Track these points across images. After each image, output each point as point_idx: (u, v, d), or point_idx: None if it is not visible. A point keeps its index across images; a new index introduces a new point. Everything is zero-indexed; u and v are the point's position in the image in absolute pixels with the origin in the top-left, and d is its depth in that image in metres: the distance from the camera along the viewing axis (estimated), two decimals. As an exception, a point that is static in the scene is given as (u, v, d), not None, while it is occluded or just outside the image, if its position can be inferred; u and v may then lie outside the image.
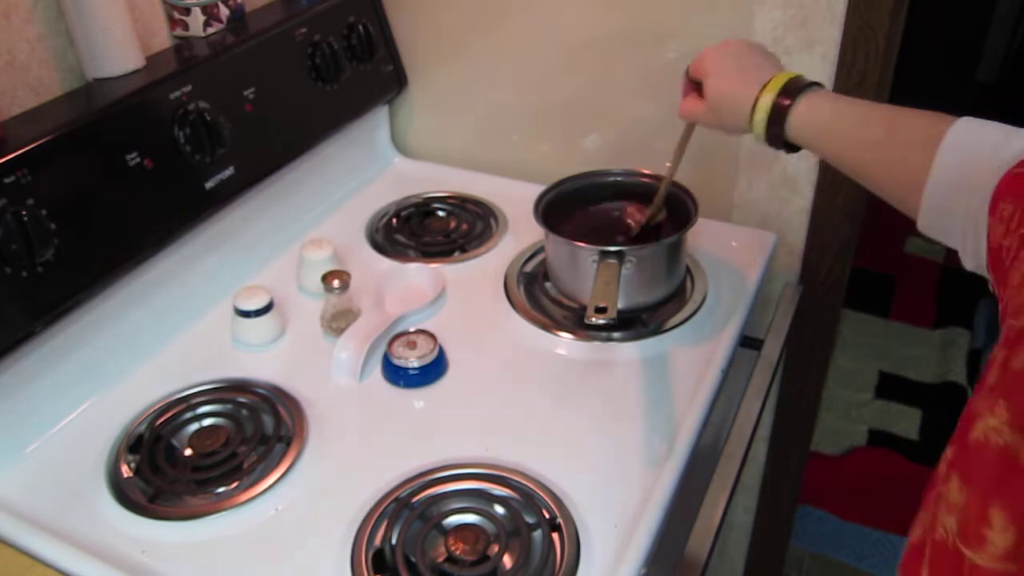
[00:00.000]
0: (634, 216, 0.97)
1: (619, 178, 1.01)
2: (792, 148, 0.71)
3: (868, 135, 0.65)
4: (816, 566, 1.75)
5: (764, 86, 0.70)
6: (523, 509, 0.71)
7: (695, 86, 0.78)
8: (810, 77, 0.95)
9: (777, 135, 0.70)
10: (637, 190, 0.98)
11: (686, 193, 0.95)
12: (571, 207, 1.00)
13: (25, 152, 0.73)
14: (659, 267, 0.92)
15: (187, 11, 0.96)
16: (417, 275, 0.99)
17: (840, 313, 1.18)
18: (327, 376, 0.86)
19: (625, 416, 0.81)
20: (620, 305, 0.84)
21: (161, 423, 0.80)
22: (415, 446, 0.77)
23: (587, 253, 0.88)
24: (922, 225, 0.59)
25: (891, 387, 2.16)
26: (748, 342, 0.95)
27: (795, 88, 0.69)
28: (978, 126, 0.56)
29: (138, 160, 0.83)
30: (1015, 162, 0.50)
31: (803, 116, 0.68)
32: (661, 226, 0.96)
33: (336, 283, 0.89)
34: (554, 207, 0.97)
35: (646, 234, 0.95)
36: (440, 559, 0.68)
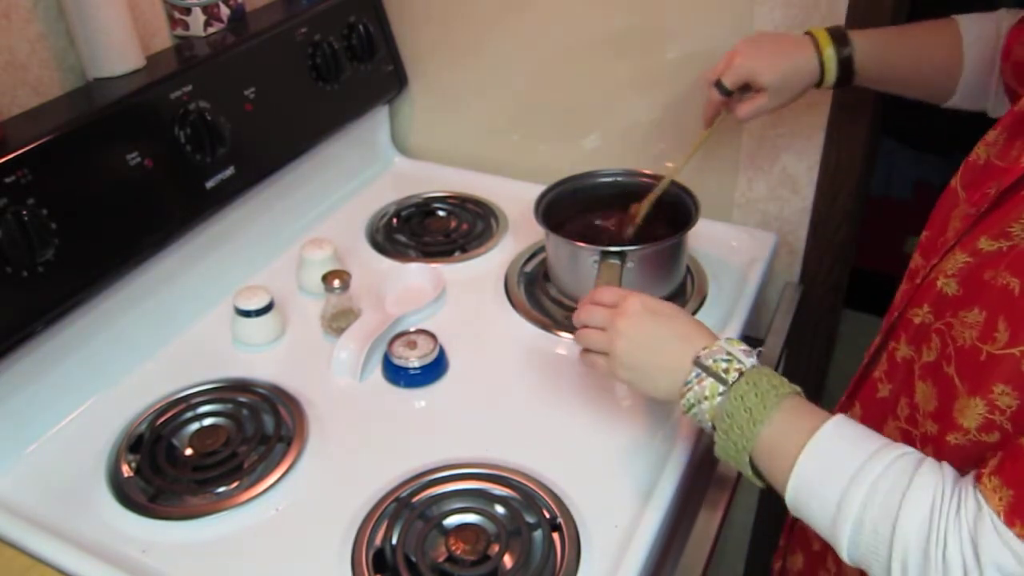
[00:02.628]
0: (633, 219, 0.96)
1: (619, 178, 1.01)
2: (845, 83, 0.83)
3: (910, 49, 0.82)
4: (816, 566, 1.75)
5: (816, 45, 0.81)
6: (523, 509, 0.71)
7: (725, 93, 0.84)
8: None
9: (847, 77, 0.81)
10: (637, 190, 0.98)
11: (687, 193, 0.94)
12: (571, 207, 0.99)
13: (25, 152, 0.73)
14: (660, 267, 0.92)
15: (187, 11, 0.96)
16: (417, 275, 0.99)
17: (840, 313, 1.18)
18: (327, 376, 0.86)
19: (626, 416, 0.81)
20: None
21: (161, 423, 0.80)
22: (415, 446, 0.77)
23: (588, 253, 0.88)
24: (958, 99, 0.80)
25: (891, 387, 2.16)
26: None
27: (839, 34, 0.81)
28: (977, 20, 0.79)
29: (138, 160, 0.83)
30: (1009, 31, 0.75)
31: (862, 51, 0.80)
32: (656, 225, 0.95)
33: (336, 283, 0.89)
34: (554, 207, 0.97)
35: (646, 233, 0.94)
36: (440, 559, 0.68)
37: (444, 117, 1.26)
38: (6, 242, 0.70)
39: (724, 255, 1.02)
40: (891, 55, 0.82)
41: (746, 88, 0.84)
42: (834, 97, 0.96)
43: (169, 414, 0.81)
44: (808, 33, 0.82)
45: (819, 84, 0.82)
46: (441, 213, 1.15)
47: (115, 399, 0.84)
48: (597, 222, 1.01)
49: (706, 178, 1.07)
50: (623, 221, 0.98)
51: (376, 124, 1.24)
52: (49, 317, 0.76)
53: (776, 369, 0.93)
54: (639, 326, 0.67)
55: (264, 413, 0.81)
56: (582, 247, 0.89)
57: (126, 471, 0.75)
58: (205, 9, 0.97)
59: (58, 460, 0.78)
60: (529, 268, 1.02)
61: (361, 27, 1.11)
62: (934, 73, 0.81)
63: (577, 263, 0.91)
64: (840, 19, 0.92)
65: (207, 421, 0.81)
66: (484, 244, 1.06)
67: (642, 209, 0.95)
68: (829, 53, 0.80)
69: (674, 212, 0.95)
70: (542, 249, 1.04)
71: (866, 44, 0.81)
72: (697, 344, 0.64)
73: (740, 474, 0.80)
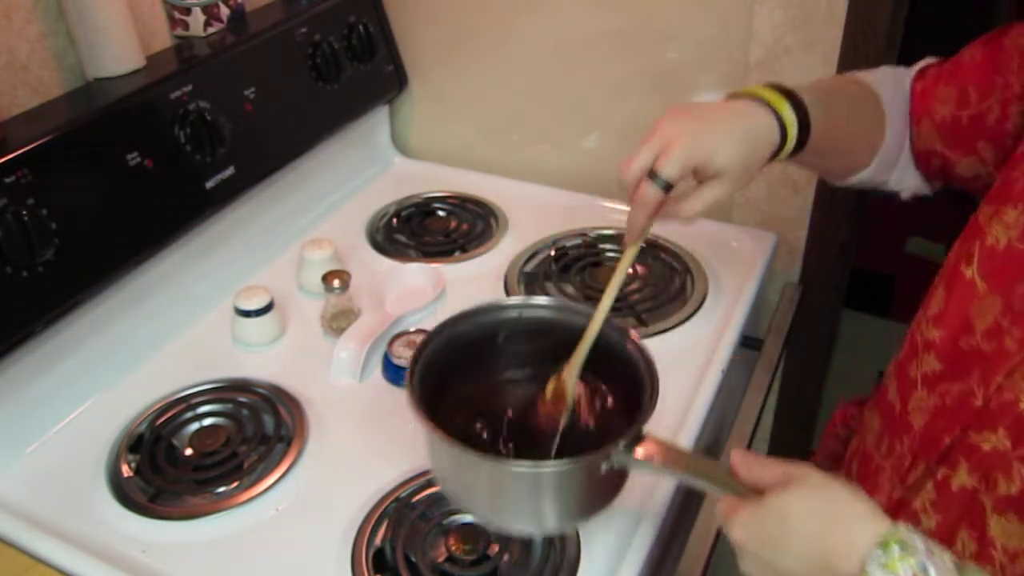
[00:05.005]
0: (559, 394, 0.66)
1: (539, 312, 0.70)
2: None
3: (843, 105, 0.71)
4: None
5: (769, 106, 0.63)
6: (523, 509, 0.70)
7: (664, 188, 0.61)
8: (810, 77, 0.95)
9: (803, 142, 0.65)
10: (563, 333, 0.68)
11: (638, 350, 0.65)
12: (469, 359, 0.69)
13: (25, 152, 0.73)
14: (592, 489, 0.62)
15: (187, 11, 0.96)
16: (417, 275, 0.99)
17: (840, 313, 1.18)
18: (327, 376, 0.86)
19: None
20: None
21: (161, 423, 0.80)
22: (415, 446, 0.77)
23: (484, 469, 0.60)
24: (869, 171, 0.73)
25: (891, 387, 2.16)
26: (748, 342, 0.95)
27: (785, 90, 0.65)
28: (881, 75, 0.74)
29: (138, 160, 0.83)
30: (912, 80, 0.72)
31: (811, 108, 0.65)
32: (596, 400, 0.69)
33: (336, 283, 0.89)
34: (440, 362, 0.66)
35: (582, 420, 0.68)
36: (440, 559, 0.68)
37: (444, 117, 1.26)
38: (6, 242, 0.70)
39: (724, 255, 1.02)
40: (830, 112, 0.67)
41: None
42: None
43: (169, 414, 0.81)
44: (744, 96, 0.65)
45: (774, 156, 0.64)
46: (441, 213, 1.15)
47: (115, 399, 0.84)
48: (508, 383, 0.71)
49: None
50: (540, 406, 0.68)
51: (376, 124, 1.24)
52: (49, 317, 0.76)
53: (776, 369, 0.94)
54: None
55: (264, 413, 0.81)
56: (473, 458, 0.58)
57: (126, 471, 0.75)
58: (205, 9, 0.97)
59: (58, 460, 0.78)
60: (529, 268, 1.02)
61: (361, 27, 1.11)
62: (860, 137, 0.71)
63: (464, 474, 0.62)
64: (840, 19, 0.91)
65: (207, 421, 0.81)
66: (484, 244, 1.06)
67: (570, 375, 0.66)
68: (788, 113, 0.63)
69: (626, 367, 0.66)
70: (542, 249, 1.04)
71: (809, 98, 0.65)
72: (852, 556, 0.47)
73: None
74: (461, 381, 0.69)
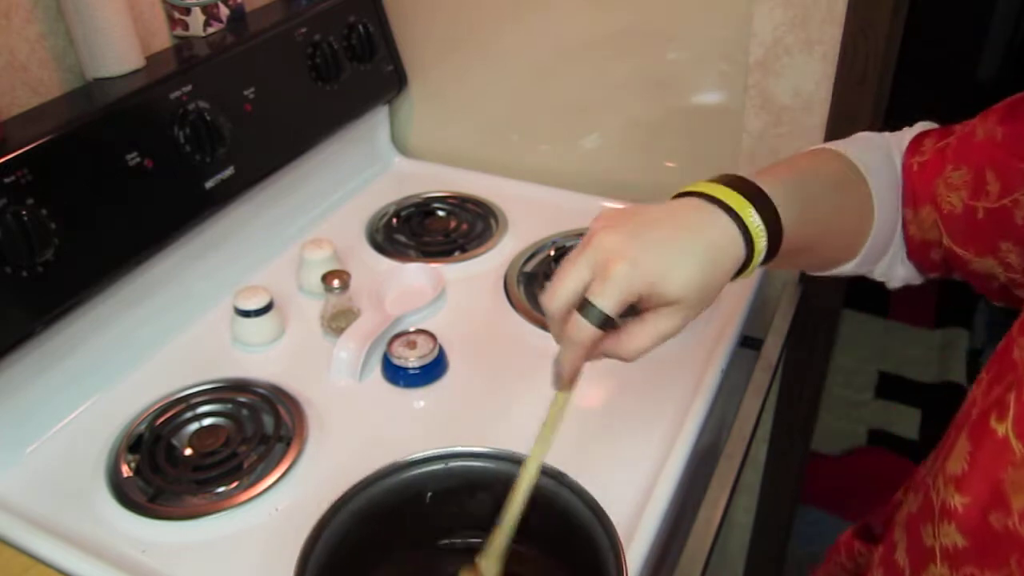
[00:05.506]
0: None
1: (467, 462, 0.60)
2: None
3: (823, 201, 0.58)
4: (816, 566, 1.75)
5: (727, 210, 0.51)
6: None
7: (602, 324, 0.49)
8: (810, 77, 0.94)
9: (776, 247, 0.53)
10: (490, 490, 0.58)
11: (593, 513, 0.56)
12: (388, 535, 0.60)
13: (25, 152, 0.73)
14: None
15: (187, 11, 0.96)
16: (417, 275, 0.99)
17: (840, 313, 1.18)
18: (327, 376, 0.86)
19: (624, 416, 0.81)
20: None
21: (161, 423, 0.80)
22: (415, 446, 0.77)
23: None
24: (856, 263, 0.61)
25: (891, 387, 2.16)
26: (748, 342, 0.95)
27: (749, 189, 0.52)
28: (879, 148, 0.61)
29: (138, 160, 0.83)
30: (904, 153, 0.60)
31: (783, 208, 0.53)
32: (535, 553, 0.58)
33: (336, 283, 0.89)
34: (349, 547, 0.57)
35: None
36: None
37: (444, 117, 1.26)
38: (6, 242, 0.70)
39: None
40: (808, 208, 0.55)
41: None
42: (833, 98, 0.96)
43: (169, 414, 0.81)
44: (697, 196, 0.52)
45: (738, 274, 0.52)
46: (441, 213, 1.15)
47: (115, 399, 0.84)
48: (447, 552, 0.62)
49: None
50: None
51: (376, 124, 1.24)
52: (49, 317, 0.76)
53: (776, 369, 0.94)
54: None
55: (264, 413, 0.81)
56: None
57: (126, 471, 0.75)
58: (205, 9, 0.97)
59: (58, 460, 0.78)
60: (529, 268, 1.02)
61: (361, 27, 1.11)
62: (844, 231, 0.59)
63: None
64: (840, 19, 0.91)
65: (207, 421, 0.81)
66: (484, 244, 1.06)
67: (488, 567, 0.55)
68: (754, 221, 0.50)
69: (581, 533, 0.56)
70: (542, 249, 1.04)
71: (778, 192, 0.52)
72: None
73: (740, 474, 0.80)
74: (385, 560, 0.57)
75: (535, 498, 0.53)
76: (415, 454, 0.59)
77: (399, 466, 0.59)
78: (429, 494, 0.60)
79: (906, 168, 0.61)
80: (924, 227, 0.60)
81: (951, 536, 0.46)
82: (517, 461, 0.56)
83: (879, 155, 0.61)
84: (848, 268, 0.62)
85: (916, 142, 0.61)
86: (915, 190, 0.60)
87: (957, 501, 0.46)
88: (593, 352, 0.51)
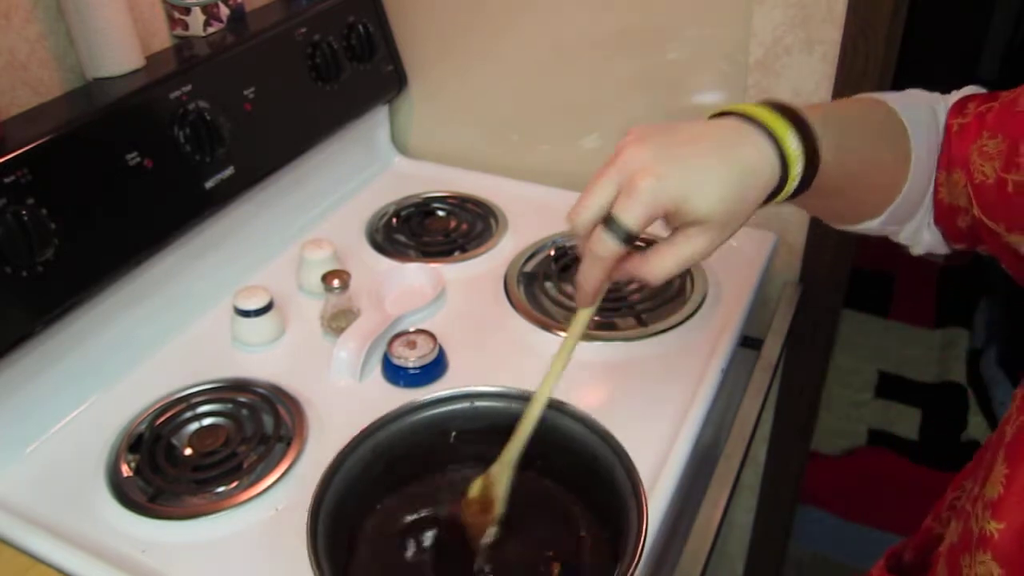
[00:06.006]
0: (487, 502, 0.55)
1: (494, 403, 0.59)
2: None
3: (864, 142, 0.56)
4: (816, 566, 1.75)
5: (765, 131, 0.49)
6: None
7: (625, 240, 0.48)
8: (810, 77, 0.94)
9: (808, 179, 0.51)
10: (492, 430, 0.57)
11: (612, 450, 0.54)
12: (384, 487, 0.61)
13: (25, 152, 0.73)
14: None
15: (187, 11, 0.96)
16: (417, 275, 0.99)
17: (840, 313, 1.18)
18: (327, 376, 0.86)
19: (625, 416, 0.81)
20: None
21: (161, 423, 0.80)
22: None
23: None
24: (882, 220, 0.59)
25: (891, 387, 2.16)
26: (748, 342, 0.95)
27: (790, 113, 0.50)
28: (925, 104, 0.59)
29: (138, 160, 0.83)
30: (947, 113, 0.57)
31: (822, 135, 0.51)
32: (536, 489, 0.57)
33: (336, 283, 0.89)
34: (358, 488, 0.57)
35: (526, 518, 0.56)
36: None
37: (444, 117, 1.26)
38: (6, 242, 0.70)
39: (724, 255, 1.00)
40: (847, 145, 0.53)
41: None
42: (833, 98, 0.96)
43: (169, 414, 0.81)
44: (736, 115, 0.50)
45: (770, 199, 0.50)
46: (441, 213, 1.15)
47: (115, 399, 0.84)
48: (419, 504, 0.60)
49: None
50: (465, 515, 0.57)
51: (376, 124, 1.24)
52: (49, 317, 0.76)
53: (776, 369, 0.94)
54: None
55: (264, 413, 0.81)
56: None
57: (126, 471, 0.75)
58: (205, 9, 0.97)
59: (58, 460, 0.78)
60: (529, 268, 1.02)
61: (361, 27, 1.11)
62: (878, 181, 0.56)
63: None
64: (840, 19, 0.91)
65: (207, 421, 0.81)
66: (484, 244, 1.06)
67: (500, 475, 0.55)
68: (792, 144, 0.49)
69: (593, 467, 0.56)
70: (542, 249, 1.04)
71: (819, 124, 0.51)
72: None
73: (740, 474, 0.80)
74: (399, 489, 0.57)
75: (561, 439, 0.53)
76: (440, 392, 0.58)
77: (424, 403, 0.59)
78: (454, 433, 0.60)
79: (947, 129, 0.58)
80: (954, 192, 0.57)
81: (986, 565, 0.44)
82: (502, 395, 0.57)
83: (925, 114, 0.58)
84: (873, 225, 0.60)
85: (961, 104, 0.58)
86: (951, 153, 0.57)
87: (992, 527, 0.44)
88: (618, 270, 0.50)
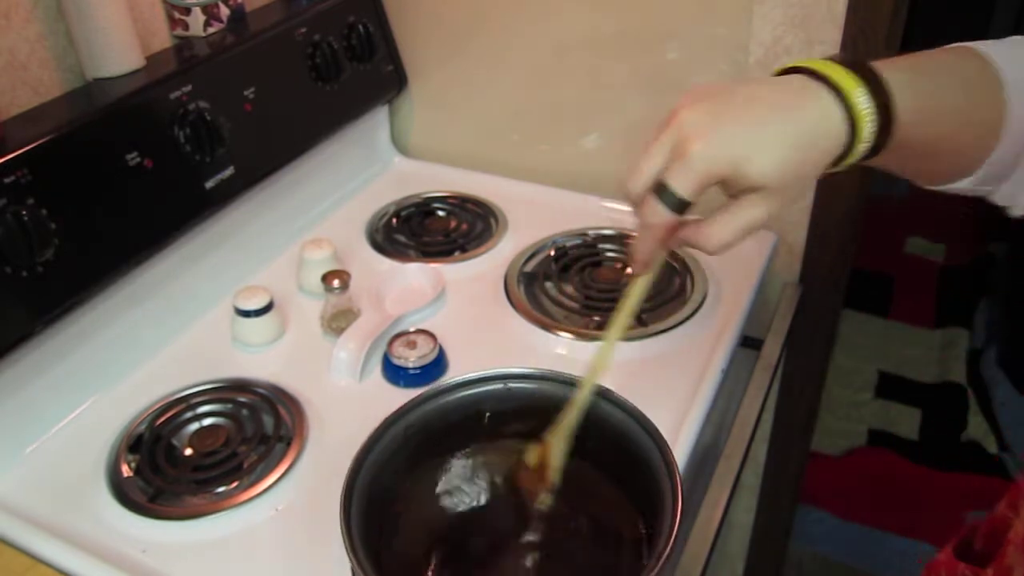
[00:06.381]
0: (541, 477, 0.55)
1: (528, 384, 0.58)
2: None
3: (948, 96, 0.51)
4: (816, 566, 1.75)
5: (832, 88, 0.45)
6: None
7: (677, 207, 0.47)
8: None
9: (882, 141, 0.47)
10: (537, 407, 0.58)
11: (653, 440, 0.55)
12: (418, 464, 0.60)
13: (25, 152, 0.73)
14: None
15: (187, 11, 0.96)
16: (417, 275, 0.99)
17: (840, 313, 1.18)
18: (327, 376, 0.86)
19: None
20: None
21: (161, 423, 0.80)
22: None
23: None
24: (974, 179, 0.53)
25: (891, 387, 2.16)
26: (748, 342, 0.95)
27: (861, 67, 0.46)
28: (1013, 64, 0.52)
29: (138, 160, 0.83)
30: None
31: (899, 92, 0.47)
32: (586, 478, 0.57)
33: (336, 283, 0.89)
34: (385, 478, 0.57)
35: (573, 504, 0.56)
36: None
37: (444, 117, 1.26)
38: (6, 242, 0.70)
39: (724, 255, 1.01)
40: (929, 100, 0.48)
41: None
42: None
43: (169, 414, 0.81)
44: (801, 72, 0.47)
45: (838, 160, 0.47)
46: (441, 213, 1.15)
47: (115, 399, 0.84)
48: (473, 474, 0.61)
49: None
50: (521, 474, 0.57)
51: (376, 124, 1.24)
52: (49, 317, 0.76)
53: (776, 369, 0.94)
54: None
55: (264, 413, 0.81)
56: None
57: (126, 471, 0.75)
58: (205, 9, 0.97)
59: (58, 460, 0.78)
60: (529, 268, 1.02)
61: (361, 27, 1.11)
62: (967, 137, 0.51)
63: None
64: (840, 19, 0.91)
65: (207, 421, 0.81)
66: (484, 244, 1.06)
67: (552, 455, 0.55)
68: (861, 102, 0.45)
69: (618, 448, 0.56)
70: (542, 249, 1.04)
71: (897, 79, 0.46)
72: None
73: (740, 474, 0.80)
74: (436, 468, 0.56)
75: (597, 421, 0.52)
76: (472, 373, 0.58)
77: (456, 384, 0.58)
78: (488, 414, 0.59)
79: None
80: None
81: None
82: (575, 384, 0.55)
83: (1022, 61, 0.52)
84: (964, 185, 0.55)
85: None
86: None
87: None
88: (673, 238, 0.49)
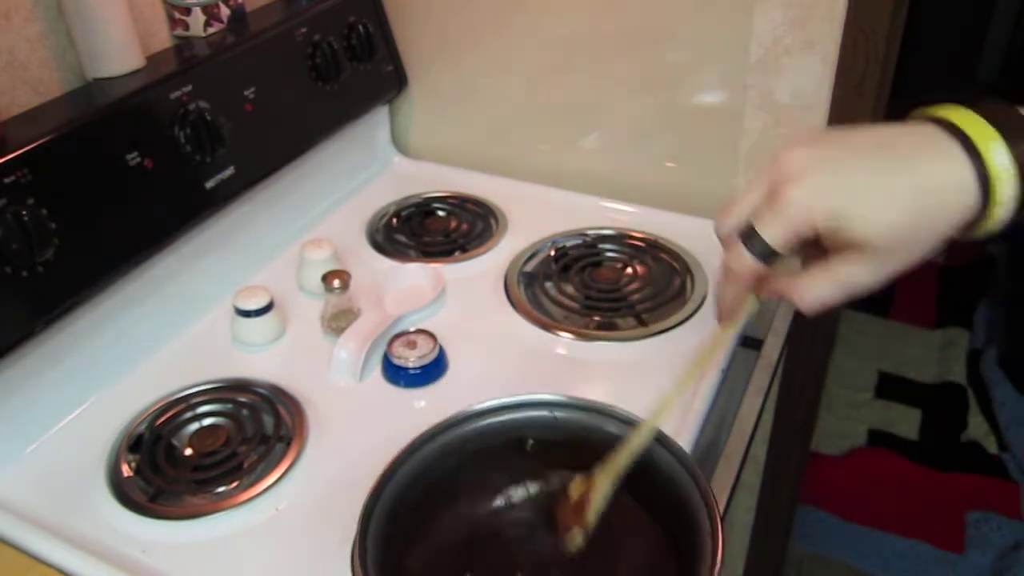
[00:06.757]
0: (580, 514, 0.52)
1: (575, 414, 0.56)
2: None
3: None
4: (816, 566, 1.75)
5: (964, 142, 0.39)
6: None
7: (766, 256, 0.42)
8: (810, 77, 0.94)
9: None
10: (581, 444, 0.55)
11: (698, 489, 0.50)
12: (451, 484, 0.57)
13: (25, 152, 0.73)
14: None
15: (187, 11, 0.96)
16: (417, 275, 0.99)
17: (840, 313, 1.18)
18: (327, 376, 0.86)
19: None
20: None
21: (161, 423, 0.80)
22: (415, 446, 0.77)
23: None
24: None
25: (891, 387, 2.16)
26: (748, 342, 0.95)
27: (1002, 115, 0.39)
28: None
29: (138, 160, 0.83)
30: None
31: None
32: (624, 521, 0.54)
33: (336, 283, 0.89)
34: (414, 494, 0.55)
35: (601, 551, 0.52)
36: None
37: (444, 117, 1.26)
38: (6, 242, 0.70)
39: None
40: None
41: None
42: (833, 98, 0.96)
43: (169, 414, 0.81)
44: (930, 120, 0.41)
45: (971, 226, 0.41)
46: (441, 213, 1.15)
47: (115, 399, 0.84)
48: (501, 508, 0.58)
49: (706, 178, 1.07)
50: (561, 504, 0.53)
51: (376, 124, 1.24)
52: (49, 317, 0.76)
53: (775, 370, 0.94)
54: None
55: (264, 413, 0.81)
56: None
57: (126, 471, 0.75)
58: (205, 9, 0.97)
59: (58, 460, 0.78)
60: (529, 268, 1.02)
61: (361, 27, 1.11)
62: None
63: None
64: (840, 19, 0.91)
65: (207, 421, 0.81)
66: (484, 244, 1.06)
67: (594, 494, 0.51)
68: (999, 160, 0.38)
69: (674, 499, 0.51)
70: (542, 249, 1.04)
71: None
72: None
73: (740, 474, 0.80)
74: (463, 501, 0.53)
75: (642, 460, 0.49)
76: (517, 396, 0.54)
77: (498, 407, 0.54)
78: (531, 441, 0.56)
79: None
80: None
81: None
82: (629, 422, 0.52)
83: None
84: None
85: None
86: None
87: None
88: (765, 289, 0.44)
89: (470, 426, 0.55)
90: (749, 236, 0.42)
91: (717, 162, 1.06)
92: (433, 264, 1.01)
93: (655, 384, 0.84)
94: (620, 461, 0.50)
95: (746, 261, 0.42)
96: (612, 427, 0.54)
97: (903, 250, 0.40)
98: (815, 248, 0.41)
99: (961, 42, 2.98)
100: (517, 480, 0.55)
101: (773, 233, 0.41)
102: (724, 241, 0.44)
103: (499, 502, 0.55)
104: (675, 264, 1.00)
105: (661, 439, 0.51)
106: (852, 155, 0.40)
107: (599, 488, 0.50)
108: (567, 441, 0.54)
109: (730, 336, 0.47)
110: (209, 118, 0.89)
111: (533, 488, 0.55)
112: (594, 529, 0.51)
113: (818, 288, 0.42)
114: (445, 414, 0.81)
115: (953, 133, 0.39)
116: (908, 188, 0.39)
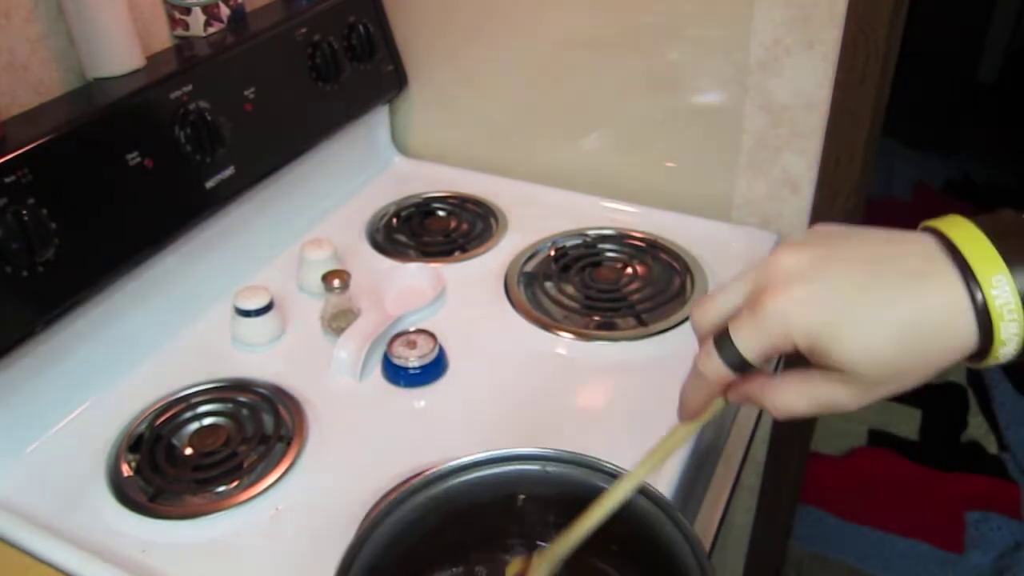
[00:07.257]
0: None
1: (568, 469, 0.54)
2: None
3: None
4: (816, 566, 1.75)
5: (963, 271, 0.34)
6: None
7: (738, 367, 0.40)
8: (810, 77, 0.94)
9: None
10: (557, 498, 0.53)
11: (689, 546, 0.50)
12: (428, 542, 0.54)
13: (25, 152, 0.73)
14: None
15: (188, 11, 0.96)
16: (417, 275, 0.99)
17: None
18: (327, 376, 0.86)
19: (625, 416, 0.81)
20: None
21: (161, 422, 0.80)
22: (415, 445, 0.77)
23: None
24: None
25: (891, 387, 2.16)
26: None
27: (1008, 232, 0.35)
28: None
29: (138, 160, 0.83)
30: None
31: None
32: None
33: (336, 283, 0.89)
34: (392, 549, 0.53)
35: None
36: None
37: (444, 117, 1.26)
38: (6, 242, 0.70)
39: (724, 256, 1.02)
40: None
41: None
42: (833, 98, 0.96)
43: (169, 414, 0.81)
44: (933, 234, 0.36)
45: (973, 357, 0.36)
46: (441, 213, 1.15)
47: (115, 399, 0.84)
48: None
49: (705, 178, 1.07)
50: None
51: (376, 124, 1.24)
52: (49, 317, 0.76)
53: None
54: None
55: (264, 413, 0.81)
56: None
57: (126, 471, 0.75)
58: (205, 9, 0.97)
59: (58, 460, 0.78)
60: (529, 268, 1.02)
61: (361, 27, 1.11)
62: None
63: None
64: (840, 19, 0.91)
65: (207, 421, 0.81)
66: (484, 244, 1.06)
67: (542, 564, 0.49)
68: (997, 294, 0.34)
69: (666, 557, 0.50)
70: (542, 249, 1.04)
71: None
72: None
73: (740, 474, 0.80)
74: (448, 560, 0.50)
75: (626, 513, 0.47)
76: (507, 450, 0.52)
77: (489, 460, 0.52)
78: (522, 496, 0.53)
79: None
80: None
81: None
82: (575, 462, 0.51)
83: None
84: None
85: None
86: None
87: None
88: (733, 392, 0.41)
89: (460, 478, 0.53)
90: (722, 343, 0.39)
91: (717, 162, 1.06)
92: (433, 264, 1.01)
93: (655, 384, 0.84)
94: (561, 546, 0.47)
95: (716, 367, 0.40)
96: (606, 482, 0.52)
97: (891, 382, 0.36)
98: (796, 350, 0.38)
99: (961, 42, 2.98)
100: (507, 540, 0.53)
101: (747, 345, 0.38)
102: (699, 334, 0.42)
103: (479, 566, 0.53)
104: (675, 264, 1.00)
105: (659, 501, 0.50)
106: (845, 269, 0.36)
107: (537, 572, 0.48)
108: (557, 497, 0.52)
109: (692, 434, 0.45)
110: (209, 118, 0.89)
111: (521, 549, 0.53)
112: None
113: (793, 400, 0.39)
114: (445, 414, 0.81)
115: (954, 256, 0.35)
116: (897, 320, 0.35)
